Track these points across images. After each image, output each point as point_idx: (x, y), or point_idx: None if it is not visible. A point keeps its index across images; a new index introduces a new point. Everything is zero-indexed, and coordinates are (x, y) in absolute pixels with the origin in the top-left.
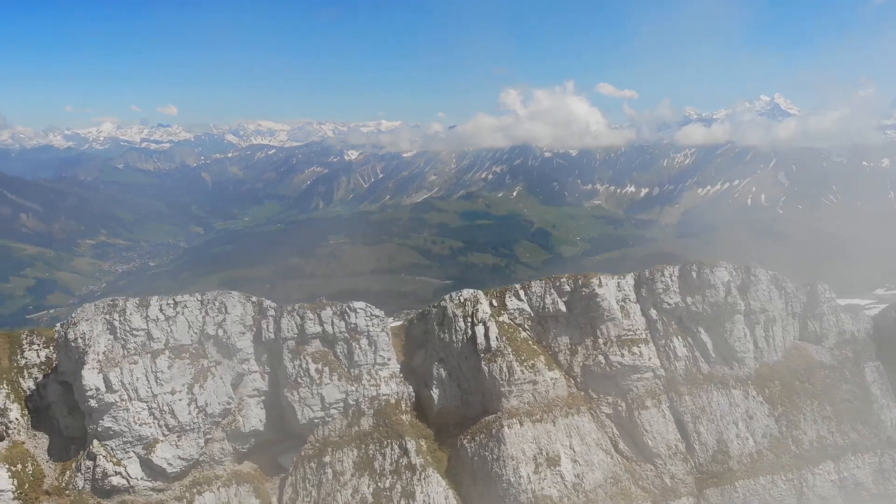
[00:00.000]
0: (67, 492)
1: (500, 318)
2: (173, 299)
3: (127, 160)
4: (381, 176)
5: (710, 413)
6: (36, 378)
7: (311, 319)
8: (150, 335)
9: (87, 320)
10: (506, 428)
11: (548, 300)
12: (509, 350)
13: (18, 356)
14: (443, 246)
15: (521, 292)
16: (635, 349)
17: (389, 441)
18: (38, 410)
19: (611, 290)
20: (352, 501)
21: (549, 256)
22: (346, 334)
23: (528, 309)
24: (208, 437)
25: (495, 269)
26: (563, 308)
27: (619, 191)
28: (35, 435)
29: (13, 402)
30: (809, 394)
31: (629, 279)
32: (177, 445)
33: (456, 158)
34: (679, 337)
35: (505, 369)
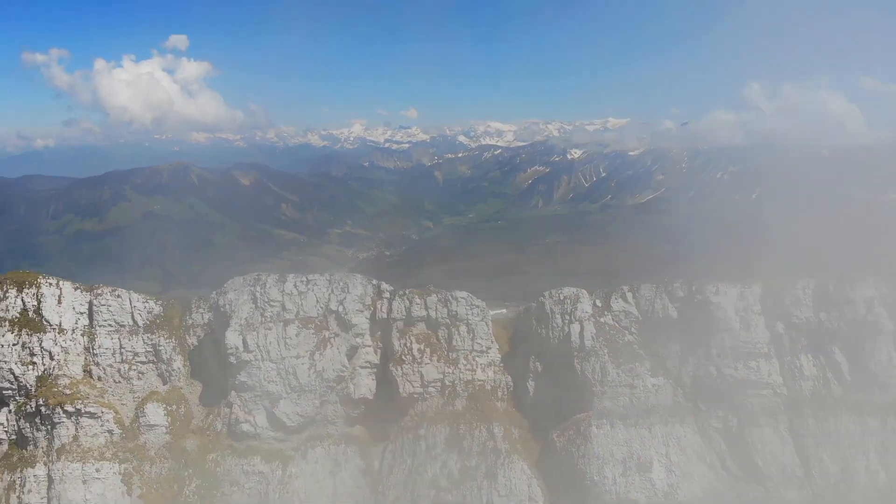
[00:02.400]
0: (209, 432)
1: (602, 319)
2: (306, 277)
3: (372, 159)
4: (603, 175)
5: (836, 440)
6: (199, 336)
7: (417, 304)
8: (284, 307)
9: (234, 290)
10: (594, 427)
11: (658, 305)
12: (605, 351)
13: (187, 317)
14: (663, 250)
15: (629, 295)
16: (752, 363)
17: (479, 424)
18: (197, 363)
19: (729, 298)
20: (440, 474)
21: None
22: (448, 320)
23: (636, 312)
24: (324, 399)
25: None
26: (674, 314)
27: (880, 197)
28: (192, 382)
29: (177, 354)
30: None
31: (755, 289)
32: (297, 403)
33: (688, 157)
34: (808, 355)
35: (598, 370)
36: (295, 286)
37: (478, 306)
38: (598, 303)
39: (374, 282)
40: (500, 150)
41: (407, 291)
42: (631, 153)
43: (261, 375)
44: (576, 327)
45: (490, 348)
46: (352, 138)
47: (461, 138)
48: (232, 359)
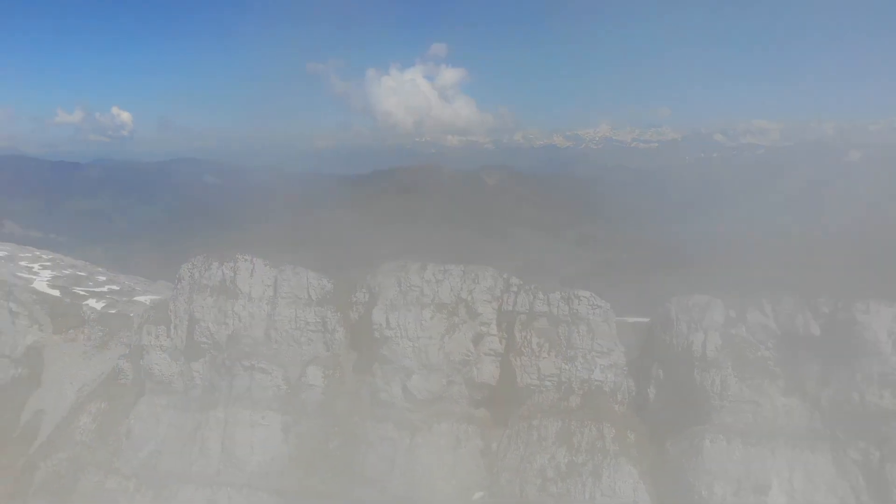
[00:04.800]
0: (355, 397)
1: (734, 331)
2: (444, 267)
3: (617, 159)
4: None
5: None
6: (359, 312)
7: (540, 300)
8: (423, 292)
9: (384, 274)
10: (707, 441)
11: (799, 320)
12: (729, 364)
13: (352, 295)
14: None
15: (768, 307)
16: None
17: (590, 423)
18: (355, 335)
19: (882, 319)
20: (548, 465)
21: None
22: (569, 318)
23: (774, 326)
24: (450, 379)
25: None
26: (815, 331)
27: None
28: (349, 352)
29: (340, 326)
30: None
31: None
32: (427, 379)
33: None
34: None
35: (718, 383)
36: (433, 274)
37: (600, 307)
38: (733, 313)
39: (505, 275)
40: (762, 151)
41: (532, 287)
42: None
43: (399, 351)
44: (699, 336)
45: (613, 350)
46: (597, 138)
47: (717, 136)
48: (376, 334)
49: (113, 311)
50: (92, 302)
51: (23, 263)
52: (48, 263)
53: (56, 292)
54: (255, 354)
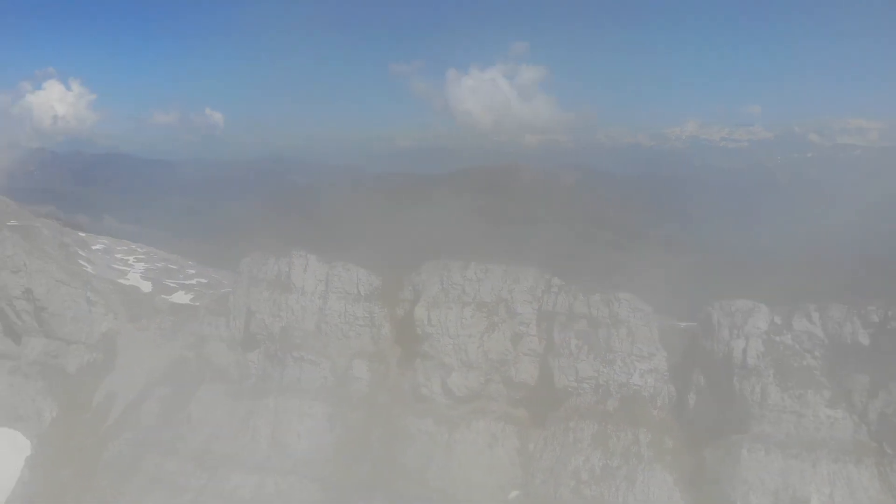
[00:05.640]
0: (397, 391)
1: (779, 338)
2: (486, 266)
3: (703, 159)
4: None
5: None
6: (405, 308)
7: (580, 301)
8: (464, 290)
9: (427, 272)
10: (744, 450)
11: (847, 329)
12: (770, 372)
13: (399, 292)
14: None
15: (816, 314)
16: None
17: (627, 427)
18: (400, 331)
19: None
20: (582, 468)
21: None
22: (609, 320)
23: (821, 335)
24: (488, 377)
25: None
26: (864, 341)
27: None
28: (394, 347)
29: (387, 322)
30: None
31: None
32: (465, 376)
33: None
34: None
35: (758, 391)
36: (475, 273)
37: (641, 310)
38: (778, 320)
39: (547, 276)
40: (859, 151)
41: (572, 287)
42: None
43: (439, 348)
44: (740, 342)
45: (654, 355)
46: (683, 137)
47: (812, 136)
48: (419, 330)
49: (184, 303)
50: (180, 294)
51: (118, 256)
52: (142, 256)
53: (148, 284)
54: (305, 346)
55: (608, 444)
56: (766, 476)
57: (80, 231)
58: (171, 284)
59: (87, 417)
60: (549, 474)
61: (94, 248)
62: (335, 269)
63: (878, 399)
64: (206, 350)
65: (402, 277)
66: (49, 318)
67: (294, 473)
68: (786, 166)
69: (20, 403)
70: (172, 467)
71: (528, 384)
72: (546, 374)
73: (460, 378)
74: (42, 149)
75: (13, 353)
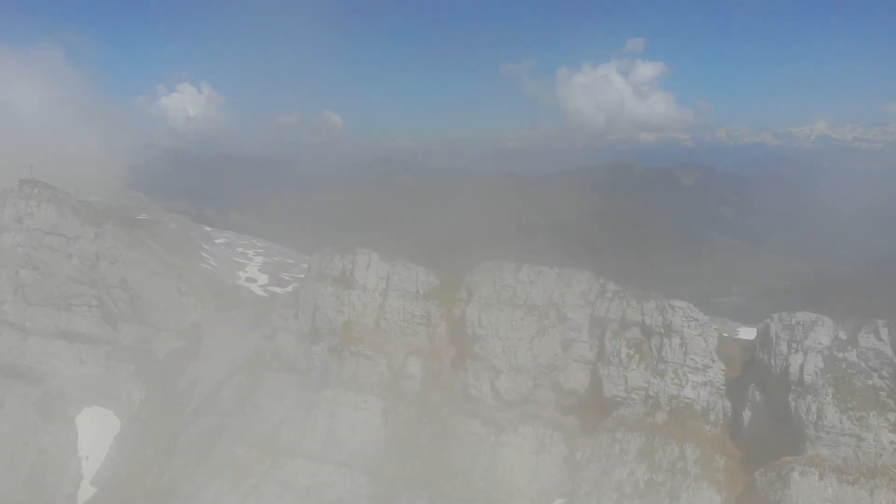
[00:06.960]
0: (449, 390)
1: (842, 355)
2: (538, 268)
3: (834, 160)
4: None
5: None
6: (462, 308)
7: (633, 308)
8: (516, 292)
9: (480, 273)
10: (796, 473)
11: None
12: (829, 392)
13: (456, 293)
14: None
15: (884, 331)
16: None
17: (674, 442)
18: (455, 330)
19: None
20: (626, 480)
21: None
22: (662, 329)
23: (890, 353)
24: (537, 382)
25: None
26: None
27: None
28: (449, 346)
29: (443, 321)
30: None
31: None
32: (514, 380)
33: None
34: None
35: (814, 411)
36: (527, 276)
37: (696, 319)
38: (843, 335)
39: (601, 281)
40: None
41: (627, 294)
42: None
43: (489, 350)
44: (798, 358)
45: (710, 367)
46: (812, 137)
47: None
48: (469, 331)
49: (267, 295)
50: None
51: (239, 250)
52: (261, 250)
53: (264, 277)
54: (363, 341)
55: (654, 458)
56: (819, 502)
57: (207, 226)
58: (286, 277)
59: (172, 401)
60: (593, 485)
61: (217, 241)
62: (396, 268)
63: None
64: (276, 341)
65: (460, 277)
66: (142, 307)
67: (346, 465)
68: None
69: (114, 385)
70: (240, 452)
71: (577, 391)
72: (595, 382)
73: (508, 381)
74: (175, 148)
75: (110, 337)
